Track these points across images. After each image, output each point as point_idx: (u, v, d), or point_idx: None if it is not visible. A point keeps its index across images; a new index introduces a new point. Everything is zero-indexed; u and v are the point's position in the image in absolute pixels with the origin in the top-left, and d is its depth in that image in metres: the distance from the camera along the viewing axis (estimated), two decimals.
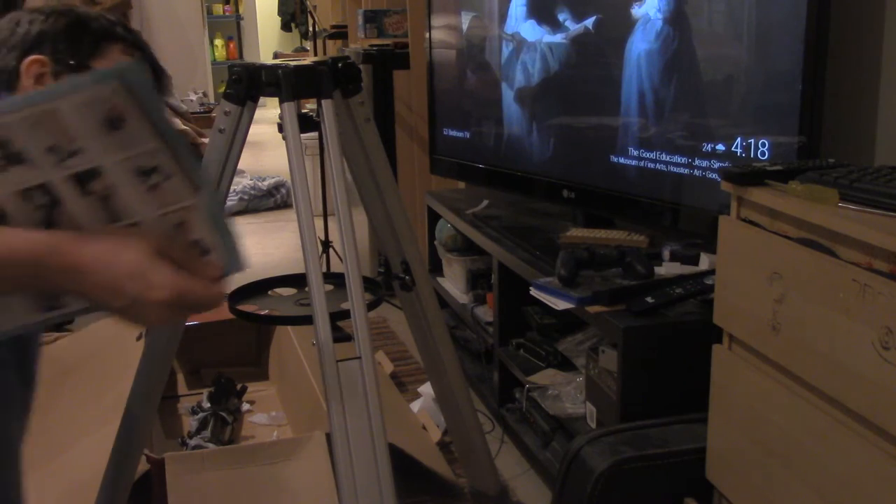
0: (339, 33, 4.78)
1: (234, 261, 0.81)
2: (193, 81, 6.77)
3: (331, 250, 3.52)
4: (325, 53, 5.50)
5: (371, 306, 1.39)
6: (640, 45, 1.97)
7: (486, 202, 2.68)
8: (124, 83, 0.69)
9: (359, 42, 3.81)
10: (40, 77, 1.07)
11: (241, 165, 1.77)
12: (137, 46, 1.15)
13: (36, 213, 0.75)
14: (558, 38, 2.26)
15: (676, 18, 1.87)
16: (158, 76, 1.18)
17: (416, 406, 2.40)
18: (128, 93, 0.69)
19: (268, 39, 9.39)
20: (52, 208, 0.75)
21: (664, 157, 1.95)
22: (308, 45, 7.47)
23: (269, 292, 1.65)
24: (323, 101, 1.40)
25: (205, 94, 6.59)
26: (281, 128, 1.45)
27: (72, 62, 1.08)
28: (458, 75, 2.77)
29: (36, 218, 0.75)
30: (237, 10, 9.15)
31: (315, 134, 1.80)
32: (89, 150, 0.72)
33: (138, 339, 2.07)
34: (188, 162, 0.75)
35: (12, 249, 0.73)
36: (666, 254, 1.91)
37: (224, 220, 0.80)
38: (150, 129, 0.72)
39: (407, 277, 1.62)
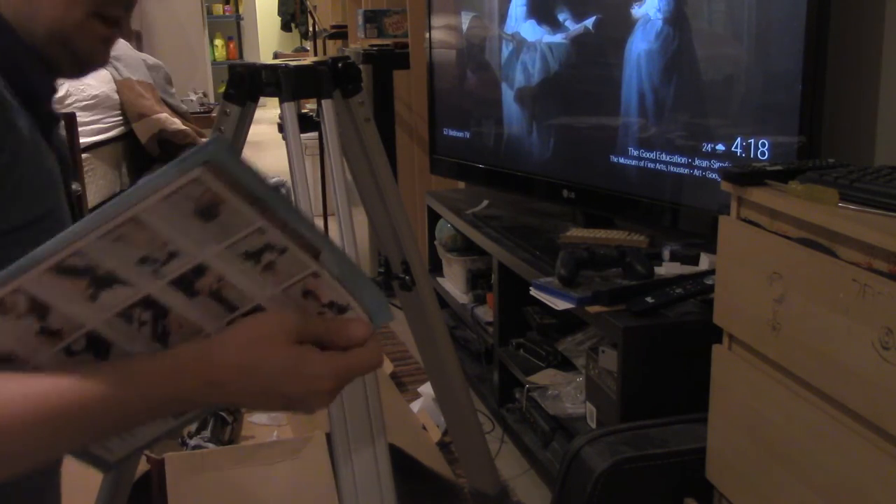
0: (339, 33, 4.79)
1: (379, 311, 0.70)
2: (193, 81, 6.77)
3: None
4: (325, 53, 5.51)
5: None
6: (640, 45, 1.97)
7: (486, 202, 2.68)
8: (210, 166, 0.58)
9: (359, 42, 3.81)
10: None
11: None
12: None
13: (141, 329, 0.64)
14: (558, 38, 2.26)
15: (676, 18, 1.87)
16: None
17: (416, 406, 2.40)
18: (216, 175, 0.58)
19: (268, 39, 9.40)
20: (158, 320, 0.65)
21: (664, 157, 1.95)
22: (308, 45, 7.47)
23: None
24: (323, 101, 1.40)
25: (205, 94, 6.58)
26: (281, 128, 1.45)
27: None
28: (458, 75, 2.77)
29: (143, 335, 0.65)
30: (237, 10, 9.16)
31: (315, 134, 1.80)
32: (186, 249, 0.61)
33: None
34: (301, 227, 0.63)
35: (147, 398, 0.63)
36: (666, 254, 1.92)
37: (354, 270, 0.68)
38: (250, 206, 0.61)
39: (407, 277, 1.62)
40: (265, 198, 0.61)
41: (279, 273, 0.65)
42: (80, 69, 0.86)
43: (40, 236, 0.78)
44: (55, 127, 0.89)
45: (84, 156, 3.97)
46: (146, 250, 0.60)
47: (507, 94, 2.51)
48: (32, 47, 0.82)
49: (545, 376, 2.14)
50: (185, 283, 0.63)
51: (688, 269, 1.86)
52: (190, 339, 0.65)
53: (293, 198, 1.34)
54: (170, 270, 0.62)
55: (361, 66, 3.34)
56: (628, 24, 2.00)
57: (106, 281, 0.61)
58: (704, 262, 1.86)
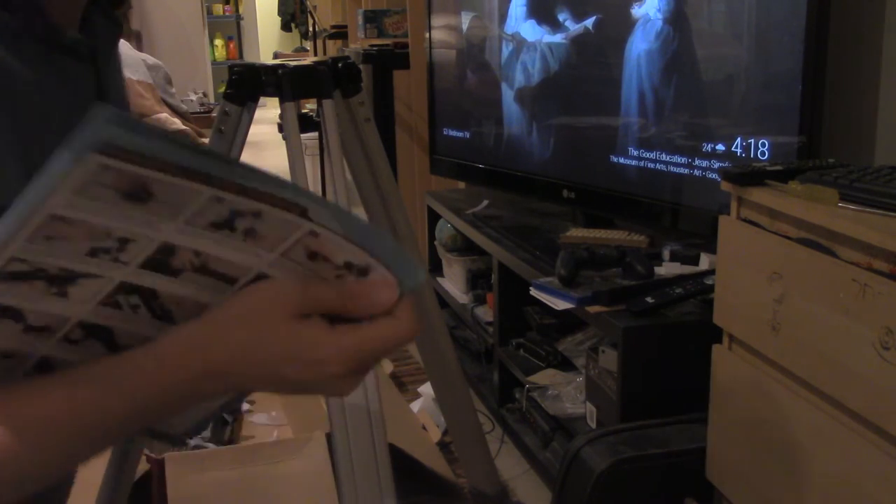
0: (339, 33, 4.79)
1: (407, 271, 0.56)
2: (193, 81, 6.77)
3: None
4: (325, 53, 5.51)
5: None
6: (640, 45, 1.97)
7: (486, 202, 2.68)
8: (105, 151, 0.45)
9: (359, 42, 3.82)
10: None
11: None
12: None
13: (137, 312, 0.56)
14: (558, 38, 2.26)
15: (676, 18, 1.87)
16: None
17: (416, 406, 2.40)
18: (120, 157, 0.46)
19: (268, 39, 9.40)
20: (150, 302, 0.56)
21: (664, 157, 1.95)
22: (308, 45, 7.47)
23: None
24: (323, 102, 1.40)
25: (205, 94, 6.58)
26: (281, 128, 1.45)
27: None
28: (458, 75, 2.77)
29: (141, 317, 0.56)
30: (237, 10, 9.16)
31: (315, 134, 1.80)
32: (136, 233, 0.50)
33: None
34: (264, 187, 0.50)
35: (139, 404, 0.55)
36: (666, 254, 1.92)
37: (361, 224, 0.54)
38: (185, 179, 0.48)
39: None
40: (196, 167, 0.48)
41: (265, 238, 0.53)
42: None
43: None
44: (94, 53, 0.74)
45: None
46: (90, 242, 0.50)
47: (507, 94, 2.51)
48: None
49: (545, 376, 2.14)
50: (159, 265, 0.53)
51: (688, 269, 1.86)
52: (195, 315, 0.56)
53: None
54: (130, 256, 0.52)
55: (361, 66, 3.34)
56: (628, 24, 2.00)
57: (64, 278, 0.52)
58: (704, 262, 1.86)
